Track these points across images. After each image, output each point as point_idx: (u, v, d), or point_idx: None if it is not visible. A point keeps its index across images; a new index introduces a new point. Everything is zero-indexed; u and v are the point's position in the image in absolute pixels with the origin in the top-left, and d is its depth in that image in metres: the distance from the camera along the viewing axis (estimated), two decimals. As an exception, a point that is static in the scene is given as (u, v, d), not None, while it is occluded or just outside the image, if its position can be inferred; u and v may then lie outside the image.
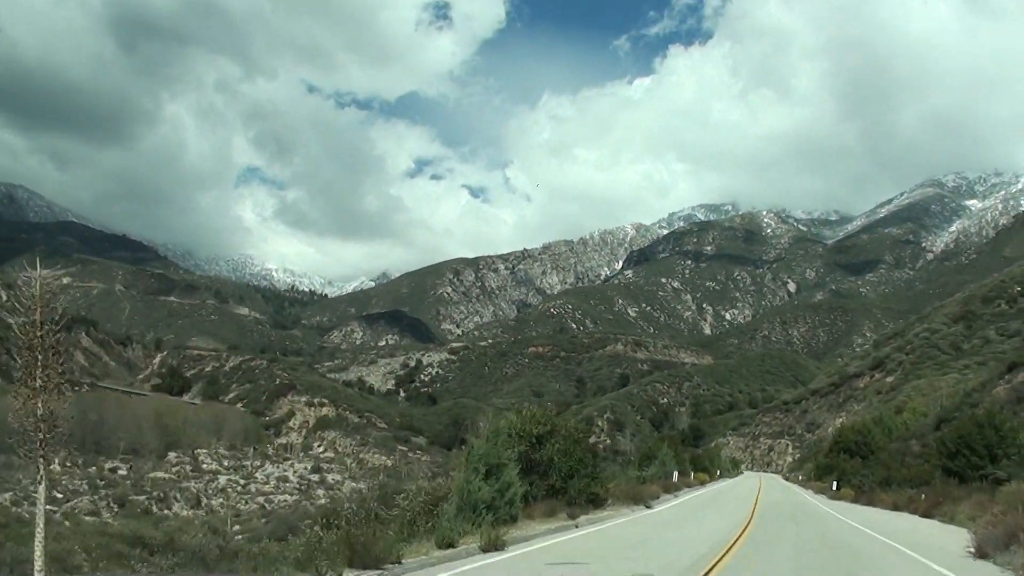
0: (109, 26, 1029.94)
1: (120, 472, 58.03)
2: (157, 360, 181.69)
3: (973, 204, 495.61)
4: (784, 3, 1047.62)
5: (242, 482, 60.30)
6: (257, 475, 64.64)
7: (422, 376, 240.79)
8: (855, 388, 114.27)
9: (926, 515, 35.59)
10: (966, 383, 64.36)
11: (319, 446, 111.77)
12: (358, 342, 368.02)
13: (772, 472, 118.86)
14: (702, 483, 62.24)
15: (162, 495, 47.32)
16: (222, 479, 59.51)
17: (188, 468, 64.20)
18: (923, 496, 39.28)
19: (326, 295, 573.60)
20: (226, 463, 70.86)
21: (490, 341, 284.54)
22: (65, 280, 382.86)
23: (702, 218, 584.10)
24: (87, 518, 39.52)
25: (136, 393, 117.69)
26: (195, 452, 71.84)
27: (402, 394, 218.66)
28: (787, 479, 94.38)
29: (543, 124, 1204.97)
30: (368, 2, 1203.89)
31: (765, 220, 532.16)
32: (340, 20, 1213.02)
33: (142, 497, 45.66)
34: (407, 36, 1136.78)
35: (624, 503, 30.89)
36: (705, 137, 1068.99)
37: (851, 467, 60.28)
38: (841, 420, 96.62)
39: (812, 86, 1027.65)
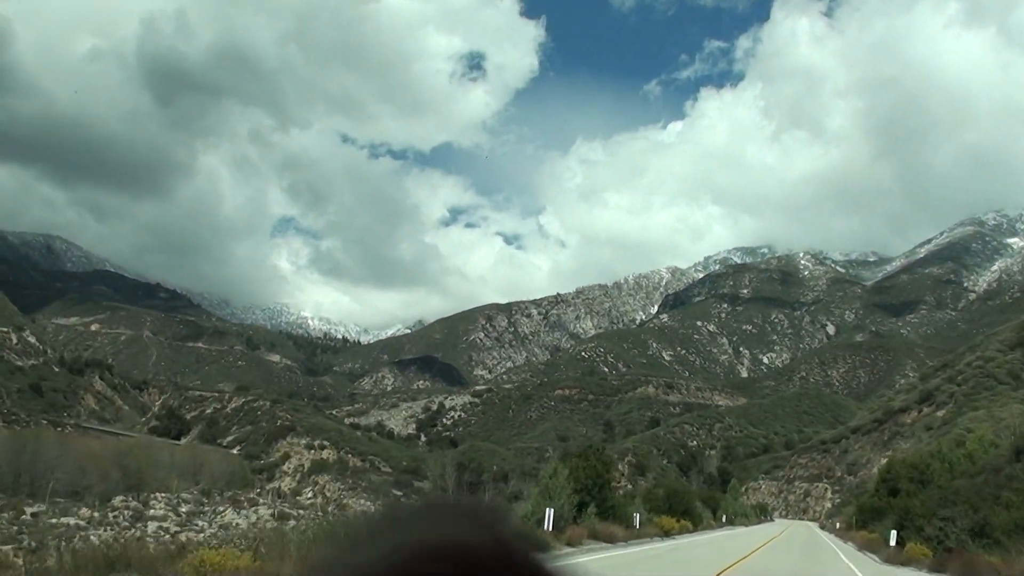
0: (144, 80, 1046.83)
1: (46, 517, 50.23)
2: (159, 402, 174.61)
3: (1015, 242, 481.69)
4: (815, 43, 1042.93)
5: (174, 529, 52.23)
6: (198, 522, 56.01)
7: (444, 420, 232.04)
8: (901, 424, 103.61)
9: None
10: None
11: (308, 490, 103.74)
12: (389, 388, 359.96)
13: (808, 519, 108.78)
14: (666, 532, 41.93)
15: (38, 544, 39.03)
16: (152, 526, 51.06)
17: (128, 513, 55.70)
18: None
19: (359, 342, 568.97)
20: (184, 508, 62.32)
21: (515, 384, 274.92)
22: (93, 327, 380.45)
23: (738, 261, 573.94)
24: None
25: (120, 434, 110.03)
26: (150, 496, 63.55)
27: (423, 438, 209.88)
28: (823, 527, 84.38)
29: (575, 170, 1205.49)
30: (402, 54, 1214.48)
31: (802, 262, 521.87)
32: (373, 72, 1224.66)
33: (8, 547, 37.46)
34: (441, 87, 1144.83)
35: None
36: (739, 179, 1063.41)
37: (920, 508, 38.10)
38: (886, 459, 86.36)
39: (846, 126, 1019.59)
